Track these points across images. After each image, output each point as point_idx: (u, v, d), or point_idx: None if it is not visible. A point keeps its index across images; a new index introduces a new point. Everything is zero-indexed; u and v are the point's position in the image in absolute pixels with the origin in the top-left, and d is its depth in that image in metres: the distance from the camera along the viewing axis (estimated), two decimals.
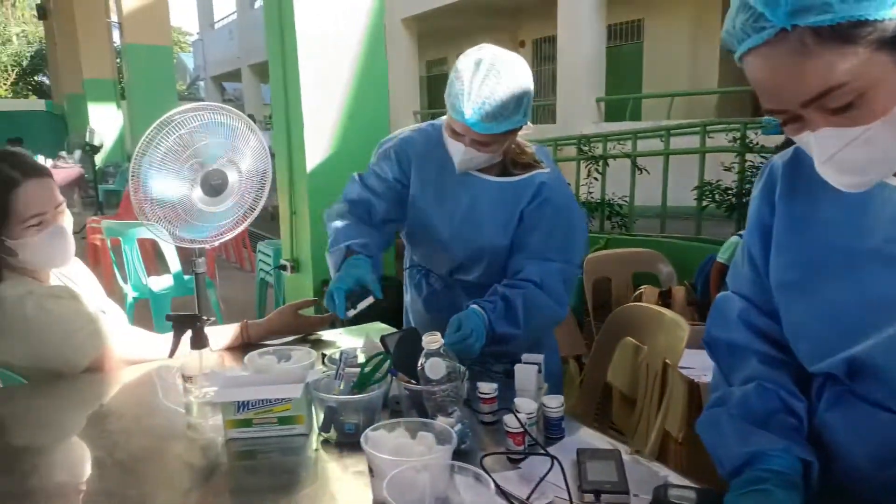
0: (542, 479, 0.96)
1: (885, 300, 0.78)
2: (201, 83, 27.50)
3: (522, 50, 14.88)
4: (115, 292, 1.73)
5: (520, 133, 1.58)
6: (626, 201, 5.43)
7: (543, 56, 14.34)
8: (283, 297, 4.02)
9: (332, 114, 3.22)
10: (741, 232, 3.27)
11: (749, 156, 4.77)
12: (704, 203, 4.85)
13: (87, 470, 1.09)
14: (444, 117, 1.57)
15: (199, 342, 1.25)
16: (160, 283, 4.17)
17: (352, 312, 1.44)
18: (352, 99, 3.26)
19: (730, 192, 4.69)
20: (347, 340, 1.71)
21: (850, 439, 0.85)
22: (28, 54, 30.84)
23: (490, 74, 1.40)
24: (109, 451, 1.12)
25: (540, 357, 1.29)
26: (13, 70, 30.88)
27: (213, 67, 24.34)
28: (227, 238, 2.12)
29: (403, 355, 1.22)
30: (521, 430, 1.05)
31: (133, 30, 8.02)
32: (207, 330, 1.30)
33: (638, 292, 3.01)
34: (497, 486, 0.87)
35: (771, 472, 0.83)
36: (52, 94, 19.97)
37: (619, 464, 1.00)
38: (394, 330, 1.50)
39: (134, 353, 1.53)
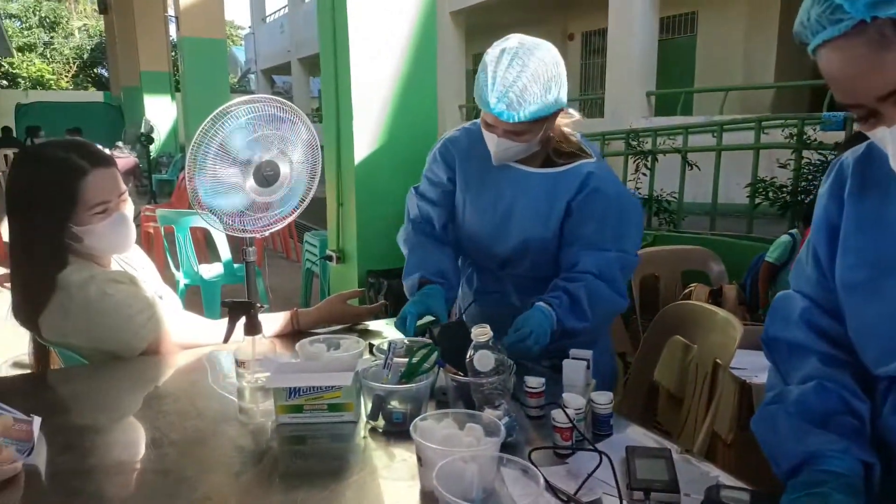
0: (590, 475, 0.96)
1: None
2: (252, 76, 28.01)
3: (571, 43, 14.72)
4: (167, 279, 1.78)
5: (565, 123, 1.57)
6: (674, 198, 5.32)
7: (592, 49, 14.15)
8: (329, 287, 4.08)
9: (381, 107, 3.24)
10: (792, 231, 3.19)
11: (806, 153, 4.62)
12: (757, 201, 4.72)
13: (145, 449, 1.12)
14: None
15: (253, 329, 1.27)
16: (211, 271, 4.29)
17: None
18: (400, 92, 3.27)
19: (784, 189, 4.55)
20: (394, 331, 1.72)
21: None
22: (89, 48, 31.98)
23: (514, 62, 1.39)
24: (165, 432, 1.16)
25: (588, 353, 1.28)
26: (74, 63, 32.06)
27: (264, 61, 24.77)
28: (277, 228, 2.16)
29: (451, 347, 1.23)
30: (570, 425, 1.04)
31: (189, 23, 8.21)
32: (259, 317, 1.33)
33: (687, 290, 2.95)
34: (545, 479, 0.87)
35: (830, 474, 0.81)
36: (111, 86, 20.66)
37: (669, 463, 0.98)
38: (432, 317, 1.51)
39: (189, 337, 1.57)
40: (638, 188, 5.50)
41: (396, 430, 1.13)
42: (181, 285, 4.19)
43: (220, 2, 8.57)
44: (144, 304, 1.49)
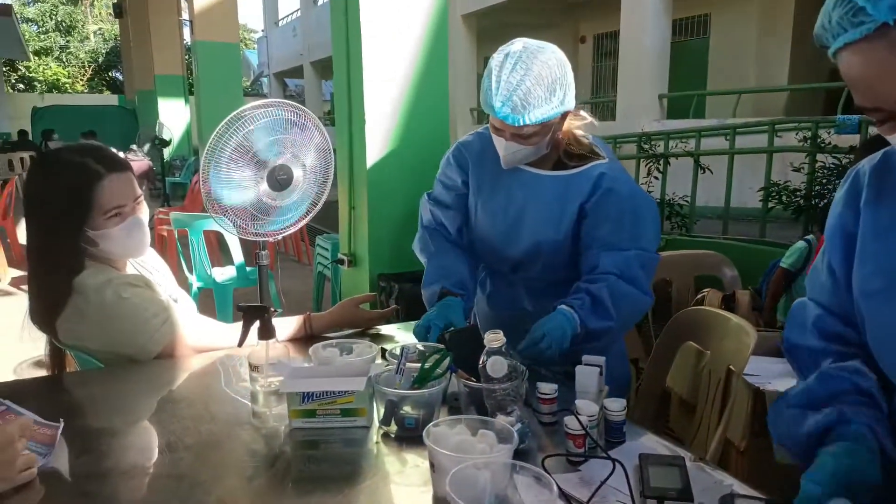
0: (603, 482, 0.95)
1: None
2: (264, 79, 28.19)
3: (583, 46, 14.70)
4: (180, 282, 1.80)
5: (577, 125, 1.57)
6: (686, 201, 5.29)
7: (604, 52, 14.13)
8: (340, 290, 4.10)
9: (393, 110, 3.25)
10: (808, 237, 3.16)
11: (820, 156, 4.58)
12: (771, 205, 4.68)
13: (160, 453, 1.13)
14: None
15: (267, 333, 1.28)
16: (224, 274, 4.31)
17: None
18: (412, 95, 3.28)
19: (798, 193, 4.51)
20: (405, 336, 1.73)
21: None
22: (104, 51, 32.31)
23: (518, 66, 1.39)
24: (180, 436, 1.17)
25: (601, 359, 1.28)
26: (90, 66, 32.38)
27: (277, 64, 24.92)
28: (290, 231, 2.18)
29: (464, 352, 1.23)
30: (583, 432, 1.04)
31: (203, 27, 8.28)
32: (273, 321, 1.34)
33: (700, 296, 2.94)
34: (559, 487, 0.87)
35: (838, 440, 0.81)
36: (125, 89, 20.86)
37: (683, 471, 0.98)
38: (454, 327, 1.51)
39: (203, 341, 1.58)
40: (650, 191, 5.47)
41: (409, 436, 1.13)
42: (194, 288, 4.21)
43: (233, 6, 8.64)
44: (160, 308, 1.51)
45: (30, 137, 15.23)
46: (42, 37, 31.65)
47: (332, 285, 4.39)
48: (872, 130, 4.70)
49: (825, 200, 4.16)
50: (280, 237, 2.17)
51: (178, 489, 1.00)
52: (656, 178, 5.37)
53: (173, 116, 12.92)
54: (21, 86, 30.17)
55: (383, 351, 1.47)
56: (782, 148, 5.15)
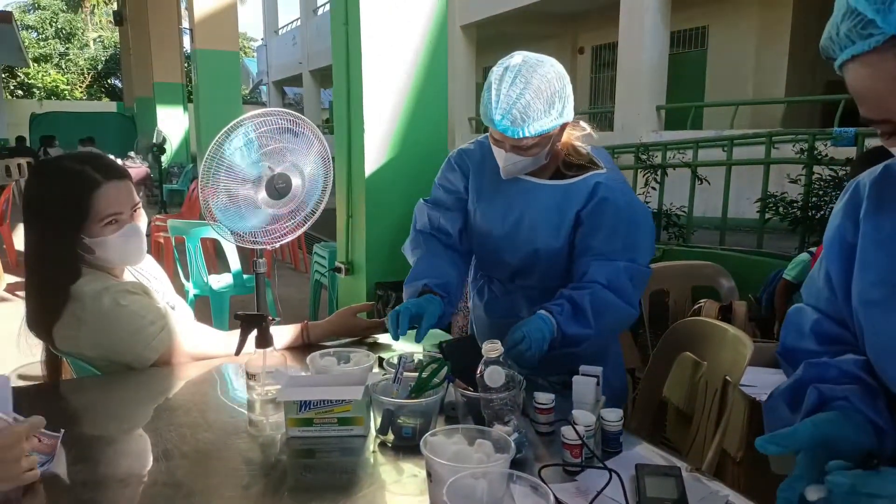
0: (599, 493, 0.95)
1: None
2: (263, 87, 28.25)
3: (581, 57, 14.78)
4: (176, 289, 1.80)
5: (576, 136, 1.58)
6: (684, 212, 5.31)
7: (602, 63, 14.20)
8: (337, 299, 4.09)
9: (392, 119, 3.26)
10: (811, 249, 3.17)
11: (816, 168, 4.61)
12: (768, 216, 4.71)
13: (157, 461, 1.13)
14: None
15: (264, 341, 1.28)
16: (220, 282, 4.31)
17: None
18: (411, 105, 3.29)
19: (795, 204, 4.53)
20: (403, 345, 1.73)
21: None
22: (103, 59, 32.39)
23: (517, 80, 1.41)
24: (176, 444, 1.16)
25: (598, 369, 1.28)
26: (89, 73, 32.43)
27: (276, 72, 25.00)
28: (288, 240, 2.18)
29: (461, 362, 1.23)
30: (579, 442, 1.04)
31: (203, 36, 8.30)
32: (271, 330, 1.34)
33: (697, 306, 2.94)
34: (555, 497, 0.87)
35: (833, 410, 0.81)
36: (124, 96, 20.89)
37: (679, 481, 0.98)
38: (451, 337, 1.51)
39: (200, 349, 1.58)
40: (647, 202, 5.49)
41: (406, 445, 1.13)
42: (190, 296, 4.21)
43: (233, 15, 8.66)
44: (157, 316, 1.51)
45: (27, 144, 15.26)
46: (42, 44, 31.73)
47: (329, 293, 4.39)
48: (869, 143, 4.73)
49: (822, 212, 4.18)
50: (278, 245, 2.17)
51: (174, 497, 1.00)
52: (654, 188, 5.39)
53: (172, 124, 12.93)
54: (20, 92, 30.20)
55: (381, 360, 1.47)
56: (779, 160, 5.18)
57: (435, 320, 1.51)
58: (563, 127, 1.51)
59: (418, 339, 1.48)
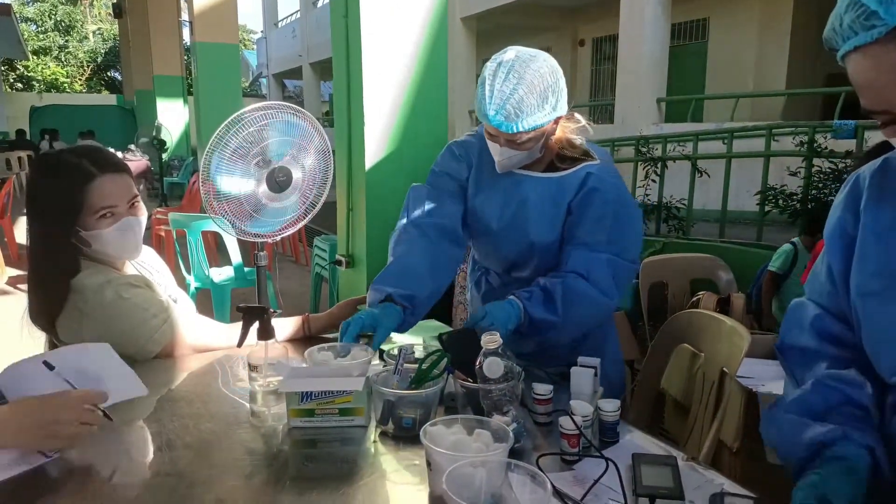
0: (596, 481, 0.97)
1: None
2: (263, 80, 28.19)
3: (582, 49, 14.73)
4: (178, 282, 1.81)
5: (571, 129, 1.59)
6: (684, 204, 5.32)
7: (603, 56, 14.16)
8: (338, 291, 4.11)
9: (392, 112, 3.27)
10: (794, 239, 3.19)
11: (816, 161, 4.62)
12: (767, 208, 4.72)
13: (159, 451, 1.14)
14: None
15: (266, 333, 1.30)
16: (221, 274, 4.32)
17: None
18: (411, 97, 3.30)
19: (795, 197, 4.54)
20: (403, 337, 1.74)
21: None
22: (103, 51, 32.29)
23: (510, 75, 1.42)
24: (179, 434, 1.18)
25: (596, 361, 1.30)
26: (88, 66, 32.35)
27: (276, 65, 24.92)
28: (288, 233, 2.19)
29: (461, 354, 1.24)
30: (577, 432, 1.05)
31: (203, 28, 8.29)
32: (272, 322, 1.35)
33: (696, 298, 2.96)
34: (553, 485, 0.88)
35: (828, 460, 0.82)
36: (124, 89, 20.85)
37: (674, 470, 0.99)
38: (451, 329, 1.52)
39: (202, 341, 1.60)
40: (647, 195, 5.51)
41: (406, 436, 1.14)
42: (191, 288, 4.23)
43: (233, 7, 8.64)
44: (160, 308, 1.52)
45: (28, 137, 15.25)
46: (41, 36, 31.65)
47: (330, 286, 4.40)
48: (869, 135, 4.73)
49: (816, 204, 4.19)
50: (279, 238, 2.19)
51: (177, 487, 1.01)
52: (654, 181, 5.40)
53: (172, 117, 12.92)
54: (19, 85, 30.15)
55: (381, 352, 1.48)
56: (779, 152, 5.18)
57: (389, 333, 1.45)
58: (557, 120, 1.52)
59: (374, 348, 1.40)
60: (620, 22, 10.41)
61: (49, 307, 1.49)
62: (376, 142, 3.25)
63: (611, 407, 1.14)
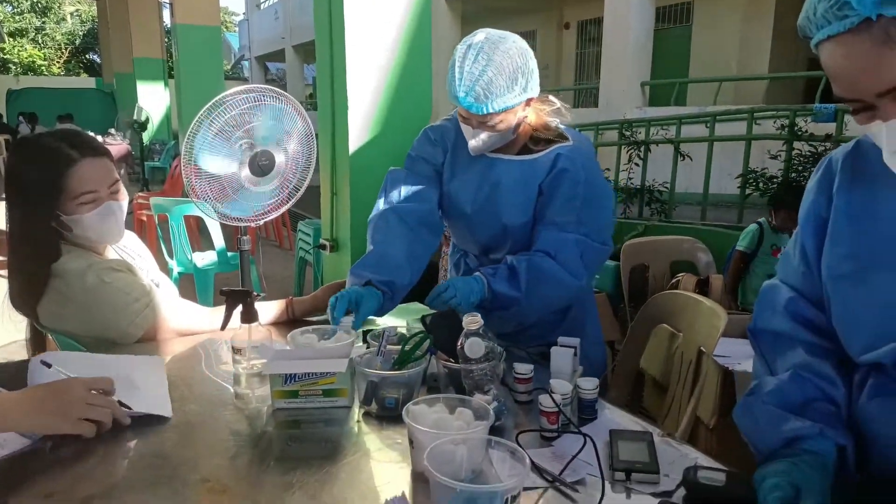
0: (574, 457, 0.99)
1: None
2: (245, 63, 27.85)
3: (567, 32, 14.69)
4: (160, 267, 1.80)
5: (546, 111, 1.60)
6: (666, 188, 5.36)
7: (588, 38, 14.13)
8: (322, 276, 4.11)
9: (376, 95, 3.25)
10: (760, 219, 3.25)
11: (797, 144, 4.67)
12: (748, 191, 4.77)
13: (144, 433, 1.15)
14: None
15: (249, 317, 1.30)
16: (204, 259, 4.30)
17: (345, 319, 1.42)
18: (396, 81, 3.28)
19: (775, 180, 4.60)
20: (386, 319, 1.75)
21: (892, 428, 0.86)
22: (81, 33, 31.68)
23: (479, 57, 1.43)
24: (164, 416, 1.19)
25: (576, 341, 1.32)
26: (66, 48, 31.74)
27: (258, 47, 24.63)
28: (271, 217, 2.19)
29: (443, 335, 1.26)
30: (556, 409, 1.08)
31: (183, 10, 8.15)
32: (255, 305, 1.36)
33: (675, 280, 3.00)
34: (531, 461, 0.90)
35: (803, 452, 0.85)
36: (103, 72, 20.49)
37: (650, 445, 1.02)
38: (433, 311, 1.54)
39: (185, 324, 1.60)
40: (631, 178, 5.54)
41: (389, 415, 1.16)
42: (174, 273, 4.20)
43: None
44: (142, 292, 1.52)
45: (5, 120, 14.98)
46: (17, 18, 30.95)
47: (314, 271, 4.40)
48: (849, 119, 4.78)
49: (781, 182, 4.25)
50: (261, 222, 2.18)
51: (162, 467, 1.02)
52: (637, 164, 5.44)
53: (153, 100, 12.73)
54: None
55: (364, 334, 1.49)
56: (760, 136, 5.23)
57: (371, 312, 1.49)
58: (529, 102, 1.53)
59: (355, 327, 1.41)
60: (605, 4, 10.39)
61: (30, 292, 1.48)
62: (360, 125, 3.24)
63: (589, 385, 1.16)
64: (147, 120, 10.88)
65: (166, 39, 13.20)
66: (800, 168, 4.46)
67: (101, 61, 23.67)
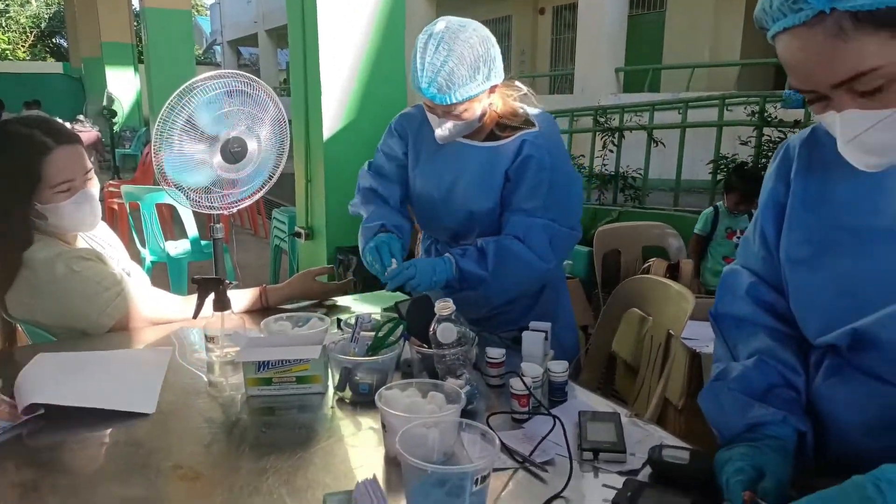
0: (544, 438, 1.02)
1: (895, 276, 0.81)
2: (217, 47, 27.39)
3: (542, 17, 14.67)
4: (132, 256, 1.78)
5: (514, 96, 1.62)
6: (640, 174, 5.41)
7: (563, 24, 14.13)
8: (297, 264, 4.09)
9: (349, 81, 3.23)
10: (717, 203, 3.32)
11: (767, 130, 4.74)
12: (719, 177, 4.83)
13: (117, 421, 1.15)
14: None
15: (222, 304, 1.30)
16: (177, 248, 4.26)
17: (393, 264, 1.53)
18: (369, 66, 3.27)
19: (746, 166, 4.66)
20: (361, 306, 1.76)
21: (847, 409, 0.89)
22: (46, 16, 30.83)
23: (440, 47, 1.44)
24: None
25: (547, 325, 1.34)
26: (31, 32, 30.91)
27: (230, 32, 24.23)
28: (245, 205, 2.17)
29: (416, 320, 1.27)
30: (526, 392, 1.10)
31: None
32: (228, 293, 1.36)
33: (646, 265, 3.05)
34: (502, 442, 0.92)
35: (766, 437, 0.88)
36: (70, 57, 19.99)
37: (618, 425, 1.05)
38: (407, 297, 1.55)
39: (157, 313, 1.59)
40: (605, 165, 5.58)
41: (363, 401, 1.17)
42: (147, 262, 4.16)
43: None
44: (112, 282, 1.51)
45: None
46: None
47: (290, 259, 4.38)
48: (810, 109, 4.86)
49: (734, 166, 4.31)
50: (235, 210, 2.17)
51: (135, 455, 1.02)
52: (611, 151, 5.47)
53: (122, 86, 12.48)
54: None
55: (339, 321, 1.50)
56: (731, 122, 5.29)
57: (400, 252, 1.59)
58: (493, 89, 1.54)
59: (397, 271, 1.52)
60: None
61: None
62: (334, 111, 3.22)
63: (559, 368, 1.18)
64: (117, 106, 10.68)
65: (136, 23, 12.91)
66: (769, 154, 4.53)
67: (68, 45, 23.08)
